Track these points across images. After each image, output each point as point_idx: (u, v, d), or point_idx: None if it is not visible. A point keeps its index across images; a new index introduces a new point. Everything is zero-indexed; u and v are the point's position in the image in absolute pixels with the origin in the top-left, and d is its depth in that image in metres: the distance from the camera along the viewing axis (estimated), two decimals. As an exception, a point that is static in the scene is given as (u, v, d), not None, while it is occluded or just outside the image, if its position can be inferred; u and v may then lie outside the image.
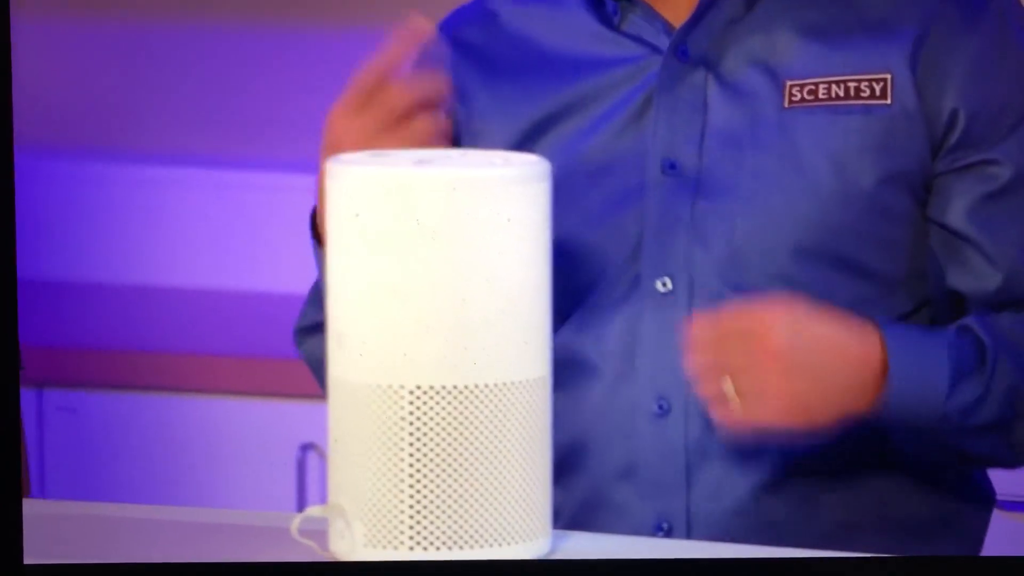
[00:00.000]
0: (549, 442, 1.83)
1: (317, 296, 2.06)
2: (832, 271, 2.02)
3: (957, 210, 2.03)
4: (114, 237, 3.05)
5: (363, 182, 1.80)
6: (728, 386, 1.91)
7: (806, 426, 1.93)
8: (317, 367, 2.06)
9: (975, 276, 2.04)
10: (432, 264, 1.77)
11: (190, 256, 3.11)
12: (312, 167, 1.97)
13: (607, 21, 2.11)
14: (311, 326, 2.10)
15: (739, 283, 2.01)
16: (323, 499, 1.86)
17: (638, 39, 2.09)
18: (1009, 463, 2.03)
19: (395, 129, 1.96)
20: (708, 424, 2.02)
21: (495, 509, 1.81)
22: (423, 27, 1.94)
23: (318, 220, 2.03)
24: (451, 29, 2.18)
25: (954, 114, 2.02)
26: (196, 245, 3.13)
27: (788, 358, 1.92)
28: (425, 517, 1.80)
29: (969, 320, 2.00)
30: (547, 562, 1.86)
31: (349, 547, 1.84)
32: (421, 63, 2.13)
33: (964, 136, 2.02)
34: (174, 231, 3.11)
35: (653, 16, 2.08)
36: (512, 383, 1.79)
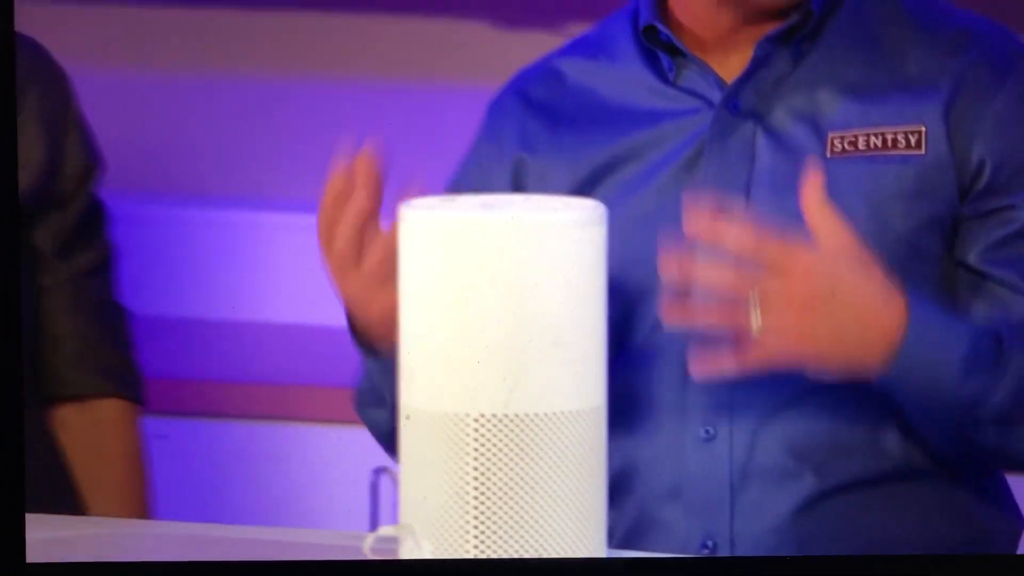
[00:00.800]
0: (605, 467, 1.81)
1: (368, 374, 2.11)
2: None
3: (978, 252, 2.03)
4: (202, 277, 3.07)
5: (431, 225, 1.78)
6: (756, 315, 1.88)
7: (813, 367, 1.90)
8: (374, 430, 2.15)
9: (1001, 307, 2.02)
10: (495, 301, 1.75)
11: (269, 294, 3.12)
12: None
13: (663, 76, 2.10)
14: (364, 399, 2.13)
15: None
16: (395, 519, 1.83)
17: (692, 92, 2.08)
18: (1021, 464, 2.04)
19: (362, 258, 1.98)
20: (751, 448, 2.01)
21: (554, 530, 1.79)
22: (366, 161, 1.95)
23: (355, 325, 2.05)
24: (519, 85, 2.18)
25: (981, 163, 2.02)
26: (274, 284, 3.13)
27: (810, 301, 1.88)
28: (488, 537, 1.78)
29: (995, 320, 1.98)
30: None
31: None
32: (493, 118, 2.18)
33: (989, 184, 2.02)
34: (255, 271, 3.11)
35: (707, 71, 2.07)
36: (570, 412, 1.76)
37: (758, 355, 1.88)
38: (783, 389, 1.99)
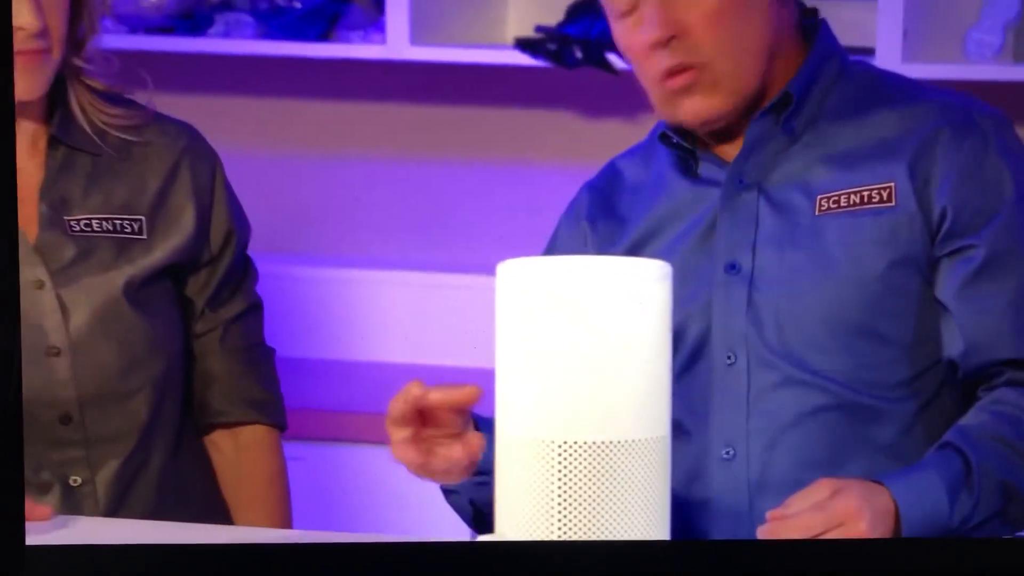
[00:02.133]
0: (669, 487, 1.83)
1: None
2: (856, 338, 2.05)
3: (947, 287, 2.05)
4: (330, 323, 3.11)
5: (528, 281, 1.81)
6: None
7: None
8: (460, 512, 2.17)
9: (949, 343, 2.05)
10: (582, 342, 1.77)
11: (382, 337, 3.14)
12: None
13: (686, 168, 2.14)
14: (448, 489, 2.14)
15: (783, 353, 2.05)
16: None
17: (703, 176, 2.13)
18: (1009, 533, 2.02)
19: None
20: (764, 465, 2.04)
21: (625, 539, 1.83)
22: (416, 392, 1.93)
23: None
24: (590, 182, 2.23)
25: (944, 210, 2.05)
26: (386, 329, 3.15)
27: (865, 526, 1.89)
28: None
29: (950, 436, 2.00)
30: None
31: None
32: (570, 211, 2.23)
33: (951, 227, 2.05)
34: (370, 318, 3.16)
35: (713, 157, 2.12)
36: (640, 440, 1.78)
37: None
38: (789, 412, 2.04)
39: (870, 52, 2.98)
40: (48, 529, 2.09)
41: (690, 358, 2.07)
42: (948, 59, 3.04)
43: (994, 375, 2.05)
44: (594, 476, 1.79)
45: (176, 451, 2.30)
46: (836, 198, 2.07)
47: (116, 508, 2.25)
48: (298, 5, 3.19)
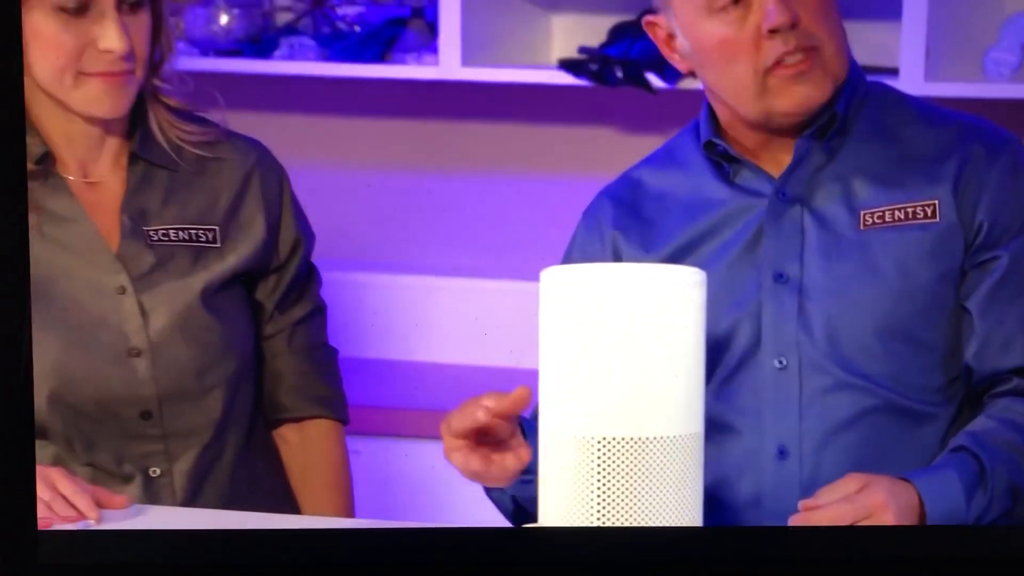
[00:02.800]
0: (702, 482, 1.83)
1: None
2: (901, 345, 2.06)
3: (971, 295, 2.06)
4: (389, 325, 3.12)
5: (571, 287, 1.82)
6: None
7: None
8: (500, 507, 2.18)
9: (967, 347, 2.06)
10: (621, 345, 1.78)
11: (438, 340, 3.14)
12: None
13: (724, 176, 2.13)
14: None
15: (834, 358, 2.06)
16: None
17: (746, 188, 2.13)
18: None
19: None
20: (816, 465, 2.04)
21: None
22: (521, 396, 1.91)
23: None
24: (608, 192, 2.22)
25: (980, 225, 2.06)
26: (442, 332, 3.15)
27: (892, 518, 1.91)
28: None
29: (963, 440, 2.01)
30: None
31: None
32: (590, 220, 2.20)
33: (984, 240, 2.06)
34: (425, 321, 3.16)
35: (758, 171, 2.12)
36: (677, 436, 1.79)
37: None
38: (840, 414, 2.05)
39: (894, 71, 2.98)
40: (125, 517, 2.11)
41: (739, 362, 2.08)
42: (968, 78, 3.02)
43: (1002, 382, 2.06)
44: (632, 469, 1.80)
45: (247, 444, 2.31)
46: (881, 213, 2.08)
47: (192, 497, 2.26)
48: (357, 29, 3.19)
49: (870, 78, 3.05)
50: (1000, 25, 3.04)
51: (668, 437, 1.80)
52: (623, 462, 1.79)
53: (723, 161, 2.14)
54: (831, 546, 1.86)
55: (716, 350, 2.05)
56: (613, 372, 1.80)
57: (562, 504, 1.84)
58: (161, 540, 1.87)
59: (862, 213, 2.09)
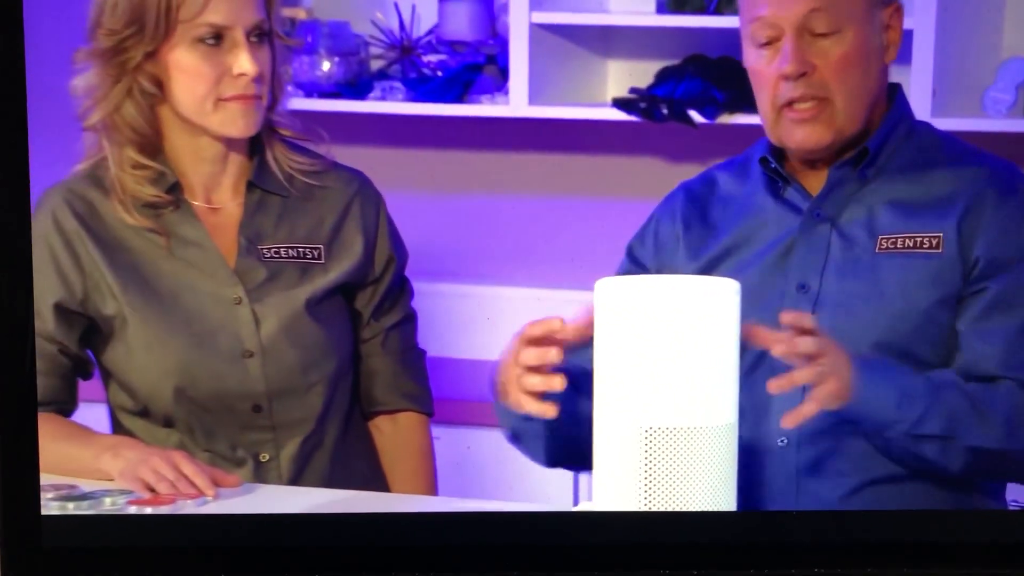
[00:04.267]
0: (736, 465, 1.82)
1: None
2: (897, 359, 2.03)
3: (963, 317, 2.03)
4: (470, 330, 3.11)
5: (623, 295, 1.81)
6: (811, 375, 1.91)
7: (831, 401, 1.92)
8: (533, 440, 2.09)
9: (955, 362, 2.03)
10: (665, 347, 1.78)
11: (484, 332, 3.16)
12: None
13: (775, 191, 2.11)
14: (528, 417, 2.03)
15: None
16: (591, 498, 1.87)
17: (789, 202, 2.11)
18: (951, 472, 2.00)
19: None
20: (811, 453, 2.01)
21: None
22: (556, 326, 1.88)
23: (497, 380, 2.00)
24: (688, 186, 2.20)
25: (978, 259, 2.03)
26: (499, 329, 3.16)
27: (835, 370, 1.91)
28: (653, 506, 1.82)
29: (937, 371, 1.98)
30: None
31: None
32: (667, 206, 2.16)
33: (980, 273, 2.03)
34: (501, 325, 3.12)
35: (800, 188, 2.10)
36: (713, 426, 1.79)
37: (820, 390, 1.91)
38: (834, 413, 1.99)
39: (904, 108, 2.99)
40: (237, 494, 2.12)
41: (756, 360, 2.04)
42: (969, 114, 3.00)
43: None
44: (674, 455, 1.80)
45: (345, 433, 2.31)
46: (894, 240, 2.06)
47: (296, 479, 2.26)
48: (440, 74, 3.19)
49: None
50: (997, 68, 3.02)
51: (706, 427, 1.79)
52: (665, 448, 1.79)
53: (775, 177, 2.12)
54: (861, 529, 1.84)
55: (741, 346, 2.00)
56: (658, 370, 1.79)
57: (613, 485, 1.83)
58: (156, 524, 1.83)
59: (879, 238, 2.06)
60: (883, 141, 2.09)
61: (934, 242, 2.05)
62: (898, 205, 2.08)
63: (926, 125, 2.16)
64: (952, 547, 1.80)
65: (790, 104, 2.05)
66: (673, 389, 1.79)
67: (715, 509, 1.82)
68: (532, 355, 1.90)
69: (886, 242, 2.06)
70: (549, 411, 1.89)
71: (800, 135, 2.06)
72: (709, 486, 1.81)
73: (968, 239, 2.05)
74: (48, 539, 1.67)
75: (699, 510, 1.80)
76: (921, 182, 2.09)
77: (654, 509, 1.80)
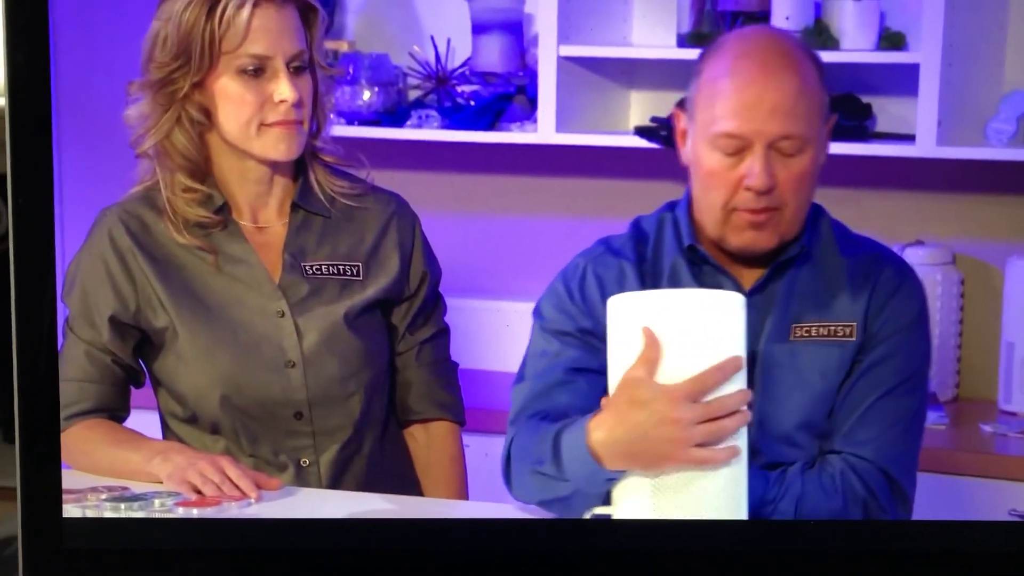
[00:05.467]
0: (746, 479, 1.83)
1: (555, 453, 1.96)
2: (809, 433, 2.01)
3: (842, 387, 2.01)
4: (503, 344, 3.09)
5: (637, 308, 1.81)
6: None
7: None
8: (533, 492, 2.00)
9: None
10: (674, 355, 1.78)
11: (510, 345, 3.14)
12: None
13: (697, 276, 2.04)
14: (545, 472, 1.98)
15: (764, 445, 1.99)
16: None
17: (716, 287, 2.04)
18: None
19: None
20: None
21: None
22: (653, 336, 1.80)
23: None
24: (608, 245, 2.12)
25: (871, 339, 2.00)
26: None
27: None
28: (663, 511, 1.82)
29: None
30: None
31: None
32: (573, 282, 2.08)
33: (868, 347, 2.00)
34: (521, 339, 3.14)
35: (730, 278, 2.04)
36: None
37: None
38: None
39: (911, 138, 2.93)
40: (279, 497, 2.11)
41: None
42: (973, 143, 2.98)
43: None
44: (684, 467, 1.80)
45: (382, 440, 2.31)
46: (808, 328, 2.02)
47: (334, 483, 2.25)
48: (472, 104, 3.18)
49: (890, 144, 3.05)
50: (999, 100, 3.00)
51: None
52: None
53: (701, 263, 2.06)
54: (866, 539, 1.84)
55: None
56: (667, 379, 1.78)
57: (623, 494, 1.82)
58: (176, 527, 1.82)
59: (794, 326, 2.02)
60: (813, 240, 2.06)
61: (848, 330, 2.02)
62: (813, 298, 2.03)
63: (816, 211, 2.09)
64: (958, 556, 1.79)
65: (744, 209, 2.00)
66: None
67: (728, 516, 1.80)
68: (710, 407, 1.82)
69: (800, 330, 2.02)
70: (724, 456, 1.83)
71: (748, 238, 2.01)
72: (721, 493, 1.80)
73: (870, 324, 2.02)
74: (69, 541, 1.65)
75: (714, 518, 1.79)
76: (827, 272, 2.04)
77: (664, 517, 1.79)
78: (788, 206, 2.00)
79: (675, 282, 2.06)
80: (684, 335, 1.77)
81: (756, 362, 2.00)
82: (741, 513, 1.83)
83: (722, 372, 1.80)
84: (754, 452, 1.96)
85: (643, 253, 2.09)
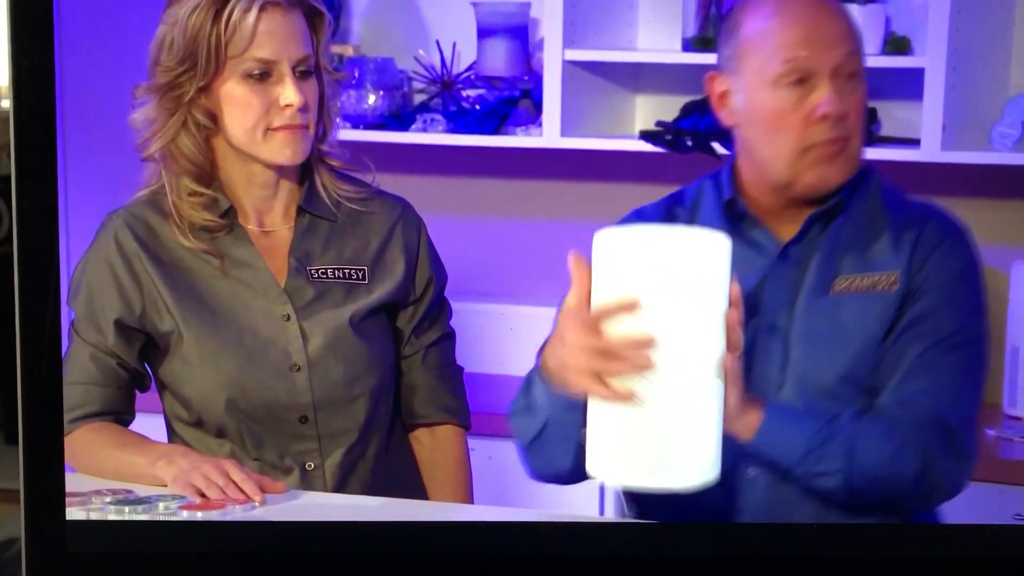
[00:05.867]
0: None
1: (526, 387, 1.98)
2: (855, 388, 1.99)
3: (887, 339, 1.99)
4: (508, 347, 3.10)
5: (616, 241, 1.71)
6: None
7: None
8: (519, 438, 2.00)
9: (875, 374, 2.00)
10: (658, 294, 1.68)
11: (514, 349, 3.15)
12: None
13: (737, 232, 2.03)
14: (518, 409, 2.00)
15: (805, 401, 1.98)
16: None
17: (754, 243, 2.05)
18: (850, 502, 1.96)
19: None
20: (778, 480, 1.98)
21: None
22: (582, 263, 1.76)
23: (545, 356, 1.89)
24: (640, 214, 2.14)
25: (915, 292, 1.99)
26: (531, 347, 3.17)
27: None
28: None
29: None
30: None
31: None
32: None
33: (912, 299, 1.99)
34: (528, 343, 3.15)
35: (768, 232, 2.05)
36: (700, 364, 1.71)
37: None
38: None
39: (916, 142, 2.94)
40: (284, 500, 2.11)
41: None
42: (977, 148, 2.98)
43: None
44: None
45: (387, 444, 2.30)
46: (850, 281, 2.01)
47: (340, 486, 2.25)
48: (478, 108, 3.19)
49: (895, 148, 3.05)
50: (1004, 104, 3.01)
51: (693, 367, 1.70)
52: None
53: (738, 219, 2.06)
54: (871, 542, 1.82)
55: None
56: (651, 316, 1.68)
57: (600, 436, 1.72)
58: (178, 531, 1.81)
59: (837, 278, 2.02)
60: (856, 193, 2.06)
61: (890, 281, 2.01)
62: (853, 250, 2.04)
63: (867, 167, 2.10)
64: (960, 560, 1.78)
65: (818, 144, 2.00)
66: (665, 333, 1.68)
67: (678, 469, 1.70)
68: (600, 338, 1.72)
69: (842, 283, 2.02)
70: (625, 395, 1.71)
71: (823, 173, 2.00)
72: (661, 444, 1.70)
73: (912, 277, 2.01)
74: (72, 544, 1.64)
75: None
76: (874, 224, 2.04)
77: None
78: (855, 136, 2.00)
79: None
80: (659, 273, 1.68)
81: (794, 314, 2.00)
82: (697, 471, 1.73)
83: (620, 306, 1.70)
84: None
85: (675, 214, 2.10)
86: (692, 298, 1.68)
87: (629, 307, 1.69)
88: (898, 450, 1.93)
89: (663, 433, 1.69)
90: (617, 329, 1.69)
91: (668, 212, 2.11)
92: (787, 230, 2.05)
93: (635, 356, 1.69)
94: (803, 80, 1.99)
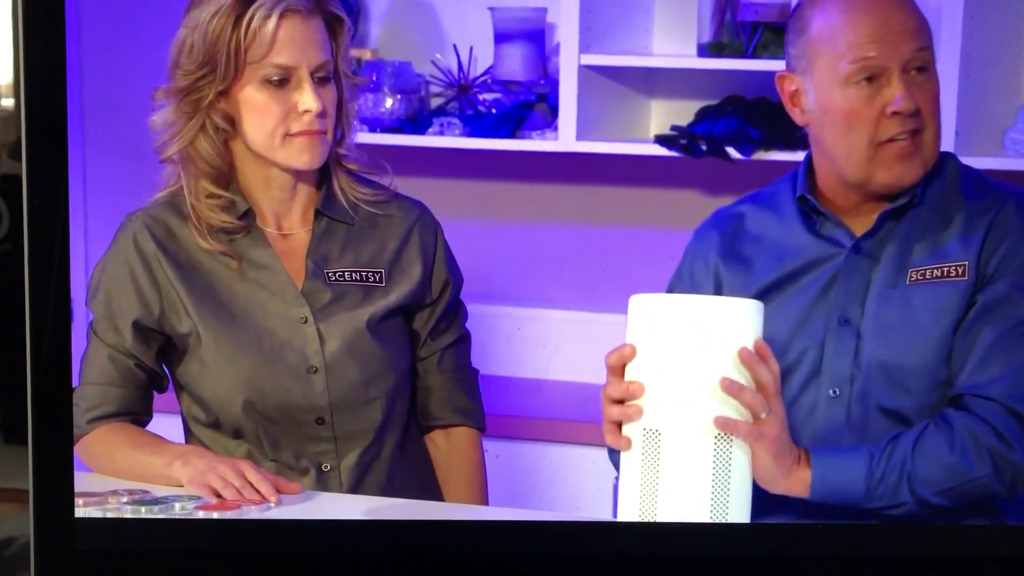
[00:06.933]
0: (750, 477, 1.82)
1: None
2: (928, 380, 1.99)
3: (959, 328, 1.99)
4: (523, 350, 3.10)
5: (658, 308, 1.79)
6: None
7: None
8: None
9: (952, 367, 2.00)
10: (691, 358, 1.77)
11: (551, 360, 3.13)
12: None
13: (811, 228, 2.07)
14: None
15: (877, 393, 1.99)
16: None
17: (830, 239, 2.06)
18: (935, 516, 1.94)
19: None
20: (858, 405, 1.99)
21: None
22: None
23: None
24: (714, 221, 2.16)
25: (987, 279, 1.98)
26: (555, 352, 3.14)
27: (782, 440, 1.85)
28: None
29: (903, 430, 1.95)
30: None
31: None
32: (699, 245, 2.11)
33: (984, 285, 1.98)
34: (551, 344, 3.12)
35: (842, 227, 2.06)
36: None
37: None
38: (871, 436, 1.98)
39: (929, 148, 2.95)
40: (299, 501, 2.10)
41: (800, 388, 2.01)
42: (990, 154, 2.96)
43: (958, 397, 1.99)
44: (671, 458, 1.80)
45: (403, 445, 2.29)
46: (923, 272, 2.01)
47: (355, 487, 2.24)
48: (494, 111, 3.18)
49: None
50: (1017, 110, 2.98)
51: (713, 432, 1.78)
52: (664, 452, 1.79)
53: (812, 214, 2.07)
54: (882, 543, 1.81)
55: (785, 374, 1.97)
56: (675, 377, 1.77)
57: (628, 492, 1.80)
58: (188, 529, 1.81)
59: (909, 271, 2.02)
60: (925, 183, 2.05)
61: (960, 271, 2.00)
62: (925, 240, 2.03)
63: (946, 157, 2.10)
64: (961, 560, 1.78)
65: (891, 140, 2.00)
66: (684, 394, 1.76)
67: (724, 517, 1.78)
68: (615, 388, 1.85)
69: (916, 273, 2.02)
70: (623, 444, 1.83)
71: (898, 171, 2.01)
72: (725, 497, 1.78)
73: (984, 264, 2.00)
74: (81, 541, 1.64)
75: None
76: (946, 218, 2.04)
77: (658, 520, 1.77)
78: (929, 128, 2.00)
79: (784, 234, 2.07)
80: (691, 339, 1.76)
81: (866, 308, 2.00)
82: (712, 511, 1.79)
83: (617, 355, 1.81)
84: (866, 399, 1.97)
85: (746, 213, 2.12)
86: (700, 365, 1.77)
87: (628, 354, 1.80)
88: (963, 458, 1.92)
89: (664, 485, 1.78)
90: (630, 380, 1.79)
91: (737, 213, 2.13)
92: (860, 224, 2.05)
93: (628, 406, 1.79)
94: (873, 78, 1.99)
